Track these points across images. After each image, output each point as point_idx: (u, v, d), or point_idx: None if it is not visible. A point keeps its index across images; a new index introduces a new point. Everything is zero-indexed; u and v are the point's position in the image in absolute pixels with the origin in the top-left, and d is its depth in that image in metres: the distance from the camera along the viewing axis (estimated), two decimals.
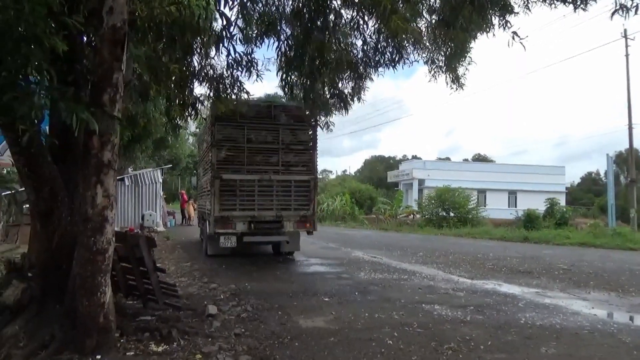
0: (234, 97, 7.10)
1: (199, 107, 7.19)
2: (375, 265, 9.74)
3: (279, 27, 6.87)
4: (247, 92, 7.04)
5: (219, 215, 9.99)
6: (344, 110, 8.16)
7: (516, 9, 5.74)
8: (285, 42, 6.97)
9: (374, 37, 6.75)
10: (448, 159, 63.59)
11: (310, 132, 10.52)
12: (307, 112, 10.40)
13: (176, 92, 6.43)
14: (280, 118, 10.42)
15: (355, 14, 6.35)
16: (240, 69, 6.59)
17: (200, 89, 20.22)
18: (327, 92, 7.90)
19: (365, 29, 6.59)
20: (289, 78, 7.38)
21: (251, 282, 7.61)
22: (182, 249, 12.64)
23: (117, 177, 5.13)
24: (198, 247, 12.92)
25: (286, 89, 7.74)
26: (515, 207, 32.32)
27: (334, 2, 6.40)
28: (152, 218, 17.36)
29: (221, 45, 5.71)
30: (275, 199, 10.21)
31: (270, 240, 10.65)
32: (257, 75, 6.66)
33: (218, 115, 9.99)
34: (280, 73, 7.28)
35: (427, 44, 6.80)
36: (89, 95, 4.08)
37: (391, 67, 6.79)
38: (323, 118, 8.01)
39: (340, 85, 7.96)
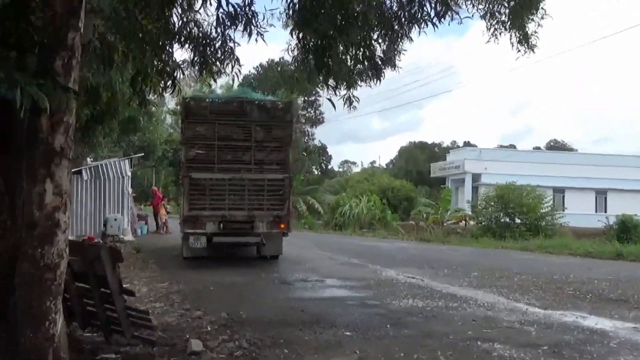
0: (225, 65, 7.06)
1: (179, 77, 7.13)
2: (413, 289, 9.79)
3: None
4: (239, 62, 6.92)
5: (188, 215, 12.18)
6: (373, 81, 7.99)
7: None
8: None
9: None
10: (513, 146, 62.90)
11: (286, 129, 12.54)
12: (284, 105, 12.75)
13: (150, 56, 6.41)
14: (253, 114, 12.52)
15: None
16: (234, 25, 6.48)
17: (181, 54, 21.19)
18: (350, 57, 7.79)
19: None
20: (299, 38, 7.16)
21: (248, 309, 7.69)
22: (157, 264, 12.87)
23: (73, 170, 5.19)
24: (178, 261, 13.20)
25: (296, 53, 7.50)
26: (605, 211, 32.28)
27: None
28: (117, 224, 17.66)
29: None
30: (247, 199, 12.36)
31: (242, 241, 12.90)
32: (258, 34, 6.56)
33: (188, 112, 12.43)
34: (289, 30, 7.18)
35: None
36: (36, 62, 4.06)
37: (434, 24, 6.61)
38: (344, 91, 7.86)
39: (368, 47, 7.86)
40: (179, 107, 16.25)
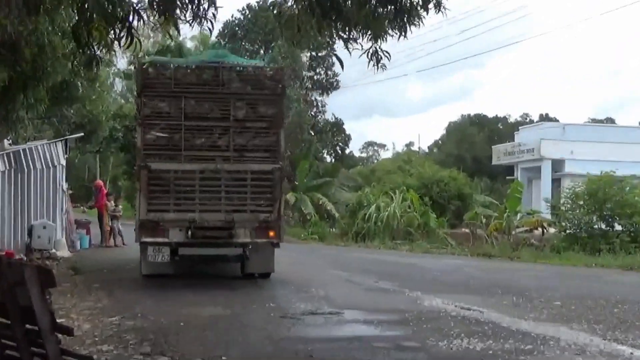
0: (198, 4, 7.24)
1: (137, 26, 7.21)
2: (468, 325, 9.81)
3: None
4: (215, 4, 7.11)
5: (145, 219, 12.79)
6: (406, 29, 7.76)
7: None
8: None
9: None
10: (610, 120, 62.73)
11: (276, 104, 13.27)
12: (273, 72, 13.52)
13: None
14: (232, 85, 13.17)
15: None
16: None
17: None
18: None
19: None
20: None
21: (234, 355, 7.74)
22: (105, 289, 12.97)
23: None
24: (134, 284, 13.38)
25: None
26: None
27: None
28: (47, 233, 17.66)
29: None
30: (224, 197, 13.02)
31: (217, 254, 13.65)
32: None
33: (146, 82, 13.10)
34: None
35: None
36: None
37: None
38: (368, 44, 7.77)
39: None
40: (133, 70, 17.55)
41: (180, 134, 12.96)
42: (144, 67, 13.56)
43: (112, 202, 24.32)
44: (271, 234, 13.14)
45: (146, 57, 17.54)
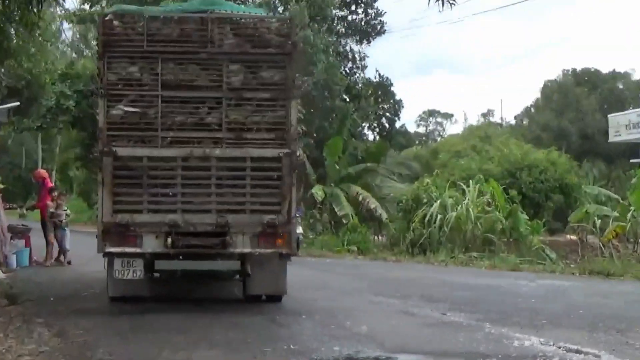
0: None
1: None
2: None
3: None
4: None
5: (111, 222, 13.12)
6: None
7: None
8: None
9: None
10: None
11: (284, 67, 13.61)
12: (280, 23, 14.04)
13: None
14: (225, 41, 13.55)
15: None
16: None
17: None
18: None
19: None
20: None
21: None
22: (52, 326, 12.72)
23: None
24: (93, 318, 13.28)
25: None
26: None
27: None
28: None
29: None
30: (215, 193, 13.38)
31: (207, 269, 14.23)
32: None
33: (110, 39, 13.44)
34: None
35: None
36: None
37: None
38: None
39: None
40: (87, 11, 18.14)
41: (157, 109, 13.22)
42: (107, 18, 13.78)
43: (55, 200, 23.62)
44: (279, 241, 13.40)
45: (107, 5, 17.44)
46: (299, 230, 28.06)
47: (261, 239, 13.30)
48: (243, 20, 14.19)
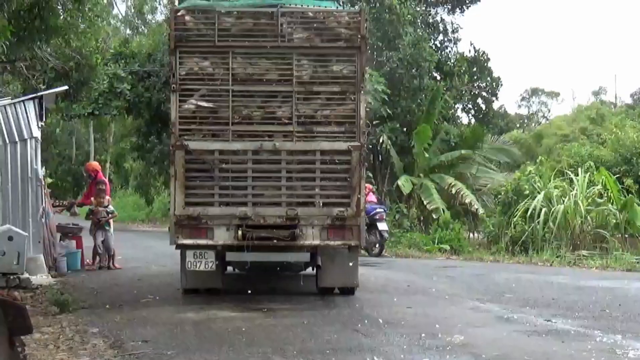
0: None
1: None
2: None
3: None
4: None
5: (183, 214, 15.09)
6: None
7: None
8: None
9: None
10: None
11: (353, 59, 15.49)
12: (350, 17, 15.75)
13: None
14: (295, 35, 15.38)
15: None
16: None
17: None
18: None
19: None
20: None
21: None
22: (108, 337, 12.80)
23: None
24: (154, 326, 13.35)
25: None
26: None
27: None
28: (15, 247, 17.66)
29: None
30: (285, 186, 15.37)
31: (278, 260, 16.05)
32: None
33: (182, 34, 15.38)
34: None
35: None
36: None
37: None
38: None
39: None
40: (166, 23, 19.34)
41: (228, 103, 15.14)
42: (179, 13, 15.43)
43: (99, 197, 23.54)
44: (347, 234, 15.22)
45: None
46: (384, 226, 28.62)
47: (330, 231, 15.15)
48: (312, 14, 15.67)
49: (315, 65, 15.36)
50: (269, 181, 15.28)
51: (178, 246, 15.35)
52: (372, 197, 30.15)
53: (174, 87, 15.19)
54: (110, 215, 23.55)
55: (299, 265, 16.84)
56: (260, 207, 15.12)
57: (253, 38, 15.36)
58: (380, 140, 38.01)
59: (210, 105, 15.20)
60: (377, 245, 29.43)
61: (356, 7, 18.63)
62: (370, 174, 35.52)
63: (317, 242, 15.21)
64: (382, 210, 29.94)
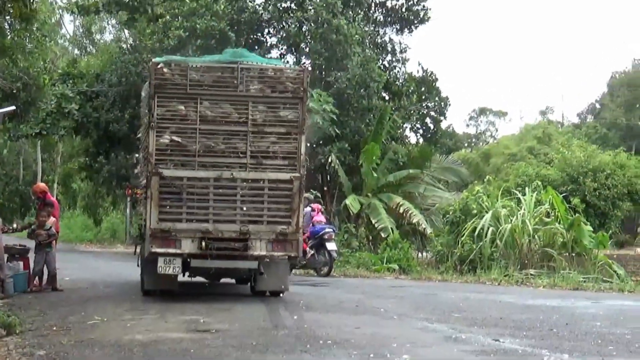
0: None
1: None
2: None
3: None
4: None
5: (157, 228, 18.28)
6: None
7: None
8: None
9: None
10: None
11: (297, 107, 18.88)
12: (295, 73, 19.31)
13: None
14: (251, 86, 18.78)
15: None
16: None
17: None
18: None
19: None
20: None
21: None
22: None
23: None
24: (100, 347, 13.24)
25: None
26: None
27: None
28: None
29: None
30: (239, 207, 18.62)
31: (232, 267, 19.56)
32: None
33: (159, 83, 18.57)
34: None
35: None
36: None
37: None
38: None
39: None
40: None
41: (195, 138, 18.32)
42: (158, 66, 18.51)
43: (40, 217, 23.13)
44: (288, 247, 18.54)
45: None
46: (332, 246, 29.16)
47: (275, 244, 18.50)
48: (266, 70, 19.10)
49: (267, 110, 18.67)
50: (227, 203, 18.46)
51: (152, 253, 18.20)
52: (321, 217, 30.72)
53: (152, 125, 18.21)
54: (50, 237, 22.91)
55: (249, 272, 19.73)
56: (219, 223, 18.28)
57: (217, 87, 18.56)
58: (329, 160, 38.37)
59: (180, 140, 18.27)
60: (326, 265, 29.52)
61: (303, 62, 22.17)
62: (319, 194, 35.63)
63: (264, 252, 18.47)
64: (331, 230, 30.32)
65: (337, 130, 38.61)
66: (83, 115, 37.86)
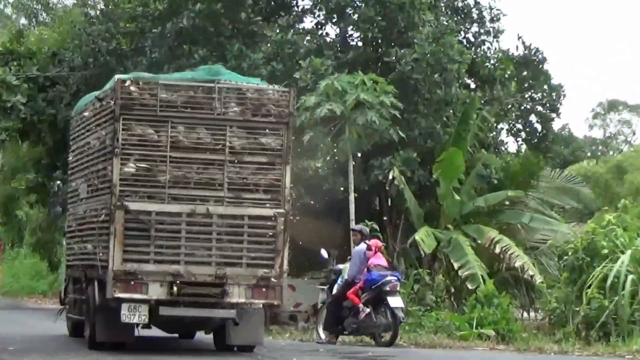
0: None
1: None
2: None
3: None
4: None
5: (120, 270, 20.24)
6: None
7: None
8: None
9: None
10: None
11: (281, 133, 21.55)
12: (279, 94, 22.12)
13: None
14: (229, 108, 21.33)
15: None
16: None
17: None
18: None
19: None
20: None
21: None
22: None
23: None
24: None
25: None
26: None
27: None
28: None
29: None
30: (215, 247, 20.98)
31: (207, 316, 21.60)
32: None
33: (126, 102, 20.76)
34: None
35: None
36: None
37: None
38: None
39: None
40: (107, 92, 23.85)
41: (165, 167, 20.58)
42: (125, 83, 20.76)
43: None
44: (269, 294, 20.97)
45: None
46: (397, 302, 28.19)
47: (255, 290, 20.87)
48: (246, 90, 21.66)
49: (246, 136, 21.20)
50: (201, 242, 20.81)
51: (115, 299, 20.08)
52: (380, 260, 29.28)
53: (116, 151, 20.30)
54: None
55: (219, 321, 22.08)
56: (192, 265, 20.55)
57: (192, 109, 21.02)
58: (390, 177, 37.01)
59: (148, 168, 20.46)
60: (389, 330, 28.20)
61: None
62: (376, 226, 34.86)
63: (242, 299, 20.86)
64: (394, 278, 28.71)
65: (401, 133, 36.34)
66: (33, 111, 38.62)
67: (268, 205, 21.02)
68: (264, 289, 20.71)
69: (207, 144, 20.85)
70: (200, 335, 26.13)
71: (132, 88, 20.61)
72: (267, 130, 21.25)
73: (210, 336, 24.42)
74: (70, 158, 28.16)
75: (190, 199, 20.62)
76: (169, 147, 20.48)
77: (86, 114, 25.12)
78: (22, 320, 37.01)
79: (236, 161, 20.83)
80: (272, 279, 20.70)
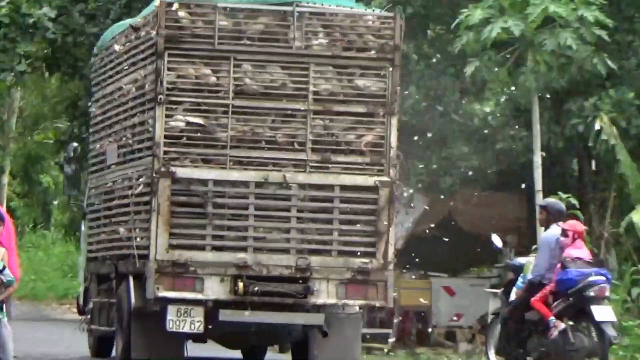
0: None
1: None
2: None
3: None
4: None
5: (166, 260, 17.30)
6: None
7: None
8: None
9: None
10: None
11: (383, 72, 18.24)
12: (381, 21, 18.95)
13: None
14: (314, 40, 18.21)
15: None
16: None
17: None
18: None
19: None
20: None
21: None
22: None
23: None
24: None
25: None
26: None
27: None
28: None
29: None
30: (295, 228, 17.90)
31: (282, 323, 18.31)
32: None
33: (172, 34, 18.09)
34: None
35: None
36: None
37: None
38: None
39: None
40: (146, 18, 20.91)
41: (227, 121, 17.34)
42: (171, 7, 17.54)
43: None
44: (372, 292, 17.37)
45: None
46: (606, 315, 20.69)
47: (349, 287, 17.34)
48: (336, 16, 18.12)
49: (336, 79, 17.59)
50: (276, 222, 17.31)
51: (157, 299, 16.72)
52: (581, 250, 21.56)
53: (160, 98, 16.90)
54: (3, 286, 17.80)
55: (299, 332, 18.35)
56: (263, 253, 17.07)
57: (261, 42, 17.50)
58: (595, 128, 29.87)
59: (201, 122, 17.01)
60: (594, 356, 20.90)
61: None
62: (575, 201, 27.24)
63: (333, 300, 17.21)
64: (602, 279, 20.87)
65: (612, 64, 28.72)
66: (66, 30, 34.27)
67: (367, 171, 17.23)
68: (362, 286, 16.92)
69: (284, 89, 17.22)
70: (272, 356, 21.92)
71: (181, 13, 17.24)
72: (365, 70, 17.46)
73: (288, 357, 20.91)
74: (94, 110, 24.08)
75: (260, 163, 17.12)
76: (231, 94, 16.95)
77: (116, 48, 21.22)
78: (38, 337, 30.67)
79: (323, 112, 17.27)
80: (374, 272, 16.85)
